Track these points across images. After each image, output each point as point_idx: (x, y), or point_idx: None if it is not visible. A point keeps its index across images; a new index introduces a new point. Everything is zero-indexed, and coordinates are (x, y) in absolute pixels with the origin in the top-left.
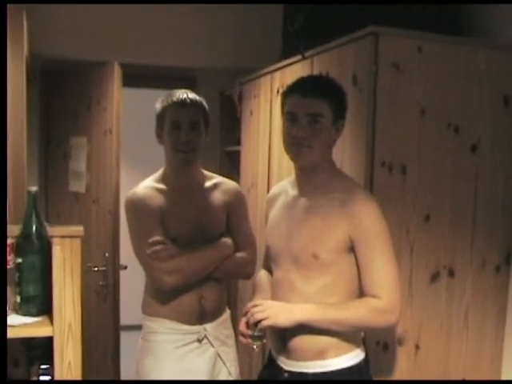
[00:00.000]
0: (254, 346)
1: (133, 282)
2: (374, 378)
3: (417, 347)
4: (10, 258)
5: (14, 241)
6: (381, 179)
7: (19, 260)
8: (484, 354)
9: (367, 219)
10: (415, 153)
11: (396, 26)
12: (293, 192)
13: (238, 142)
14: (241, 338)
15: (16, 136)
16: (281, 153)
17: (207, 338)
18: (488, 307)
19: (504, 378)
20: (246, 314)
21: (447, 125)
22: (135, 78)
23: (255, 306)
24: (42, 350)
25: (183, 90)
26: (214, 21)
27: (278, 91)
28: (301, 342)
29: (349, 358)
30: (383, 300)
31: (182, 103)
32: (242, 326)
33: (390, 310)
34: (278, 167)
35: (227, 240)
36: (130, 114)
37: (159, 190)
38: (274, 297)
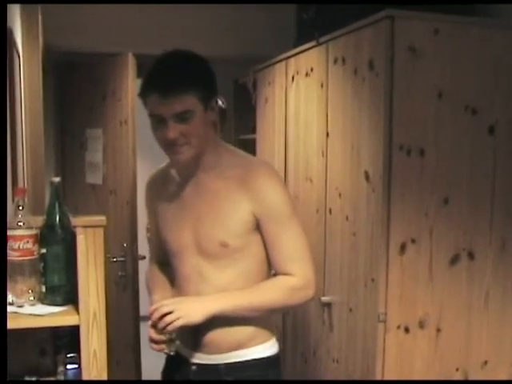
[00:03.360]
0: (168, 351)
1: None
2: (395, 362)
3: (438, 330)
4: (34, 248)
5: (37, 231)
6: (399, 163)
7: (43, 250)
8: (505, 336)
9: (269, 193)
10: (433, 136)
11: (410, 9)
12: (179, 179)
13: (253, 131)
14: (152, 345)
15: (34, 128)
16: (296, 139)
17: None
18: (508, 289)
19: None
20: (152, 319)
21: (464, 107)
22: None
23: (161, 306)
24: (68, 338)
25: None
26: (227, 9)
27: (292, 78)
28: (215, 335)
29: (265, 347)
30: (297, 276)
31: None
32: (152, 333)
33: (305, 286)
34: (294, 154)
35: None
36: None
37: None
38: (184, 292)
